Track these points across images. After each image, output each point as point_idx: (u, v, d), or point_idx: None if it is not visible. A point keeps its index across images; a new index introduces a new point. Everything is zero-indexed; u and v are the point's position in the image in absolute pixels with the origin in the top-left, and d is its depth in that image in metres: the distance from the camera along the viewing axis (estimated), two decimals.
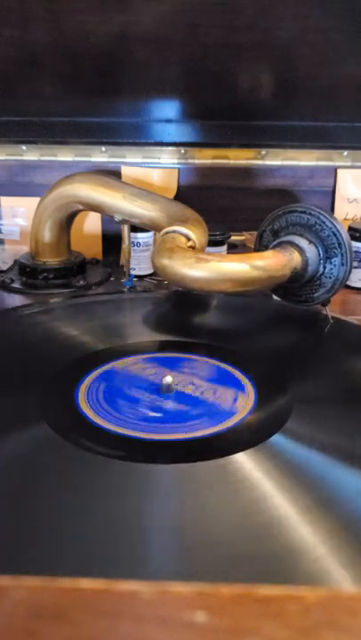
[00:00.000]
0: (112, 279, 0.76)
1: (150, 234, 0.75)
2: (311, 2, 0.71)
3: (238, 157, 0.89)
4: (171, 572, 0.29)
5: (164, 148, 0.88)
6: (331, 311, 0.59)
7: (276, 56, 0.79)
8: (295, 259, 0.57)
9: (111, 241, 0.81)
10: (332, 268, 0.58)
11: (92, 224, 0.83)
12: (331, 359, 0.53)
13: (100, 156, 0.88)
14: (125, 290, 0.69)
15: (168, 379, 0.45)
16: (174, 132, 0.88)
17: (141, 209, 0.67)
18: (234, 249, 0.83)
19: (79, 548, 0.30)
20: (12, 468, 0.37)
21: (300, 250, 0.57)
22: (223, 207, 0.87)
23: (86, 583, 0.18)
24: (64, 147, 0.88)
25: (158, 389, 0.45)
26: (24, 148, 0.88)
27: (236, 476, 0.36)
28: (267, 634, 0.17)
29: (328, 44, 0.76)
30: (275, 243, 0.59)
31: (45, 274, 0.73)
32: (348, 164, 0.88)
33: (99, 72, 0.81)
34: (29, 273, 0.73)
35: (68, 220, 0.74)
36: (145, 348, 0.53)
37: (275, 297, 0.62)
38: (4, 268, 0.78)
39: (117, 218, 0.69)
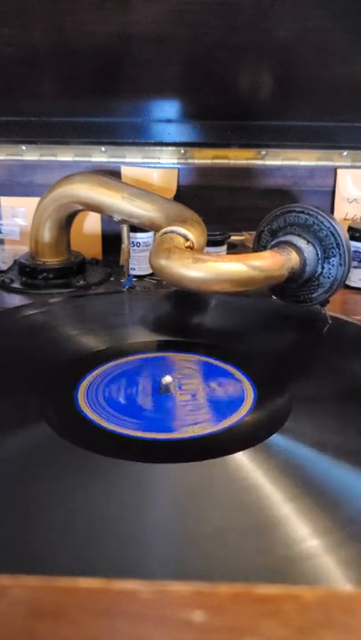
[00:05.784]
0: (112, 279, 0.76)
1: (150, 234, 0.75)
2: (311, 2, 0.71)
3: (238, 157, 0.89)
4: (169, 571, 0.29)
5: (164, 148, 0.89)
6: (330, 311, 0.59)
7: (277, 56, 0.79)
8: (293, 259, 0.57)
9: (111, 241, 0.81)
10: (330, 269, 0.57)
11: (91, 224, 0.83)
12: (330, 359, 0.53)
13: (100, 156, 0.88)
14: (125, 290, 0.69)
15: (167, 378, 0.45)
16: (174, 131, 0.88)
17: (140, 209, 0.67)
18: (233, 249, 0.83)
19: (78, 548, 0.30)
20: (12, 468, 0.37)
21: (298, 250, 0.57)
22: (223, 207, 0.87)
23: (85, 582, 0.19)
24: (64, 147, 0.88)
25: (158, 389, 0.45)
26: (24, 148, 0.88)
27: (236, 475, 0.36)
28: (265, 633, 0.17)
29: (328, 44, 0.76)
30: (273, 243, 0.59)
31: (45, 274, 0.73)
32: (348, 164, 0.88)
33: (99, 72, 0.81)
34: (29, 273, 0.73)
35: (67, 220, 0.74)
36: (144, 348, 0.53)
37: (274, 297, 0.63)
38: (4, 268, 0.78)
39: (116, 218, 0.69)
